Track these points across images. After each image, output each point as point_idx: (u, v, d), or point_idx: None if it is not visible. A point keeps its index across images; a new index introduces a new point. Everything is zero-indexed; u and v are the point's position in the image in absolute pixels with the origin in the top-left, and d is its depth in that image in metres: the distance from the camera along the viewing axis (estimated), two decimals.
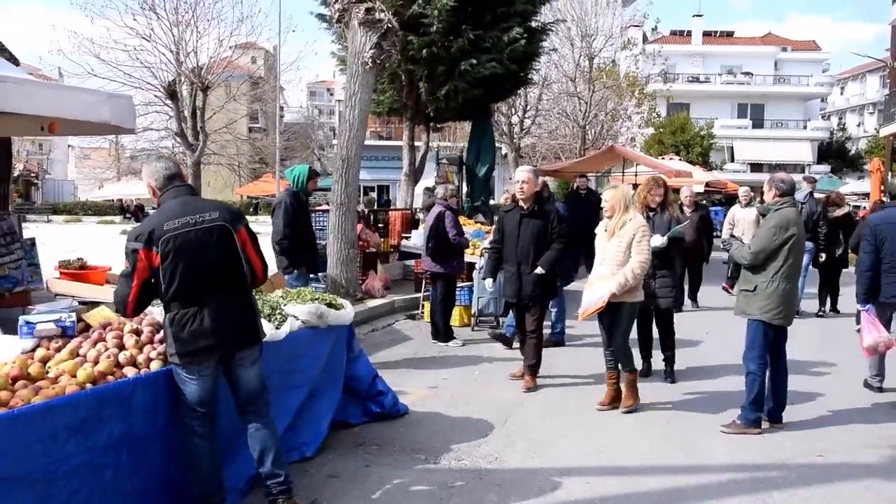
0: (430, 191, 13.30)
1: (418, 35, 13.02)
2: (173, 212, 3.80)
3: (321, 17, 14.96)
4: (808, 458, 5.19)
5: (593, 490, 4.60)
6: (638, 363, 7.00)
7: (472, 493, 4.53)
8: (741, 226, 11.14)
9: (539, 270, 6.64)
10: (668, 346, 7.20)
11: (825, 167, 50.44)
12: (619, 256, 5.94)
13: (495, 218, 14.02)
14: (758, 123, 53.06)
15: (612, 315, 6.07)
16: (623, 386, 6.17)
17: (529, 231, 6.71)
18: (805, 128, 53.26)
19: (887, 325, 6.58)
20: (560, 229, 6.75)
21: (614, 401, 6.19)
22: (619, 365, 6.17)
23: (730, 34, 57.88)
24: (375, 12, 9.89)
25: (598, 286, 6.03)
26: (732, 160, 50.82)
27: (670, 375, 7.13)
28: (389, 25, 9.96)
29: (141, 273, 3.73)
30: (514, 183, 6.94)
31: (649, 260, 6.02)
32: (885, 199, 17.66)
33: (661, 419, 6.02)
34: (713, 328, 9.94)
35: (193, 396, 3.83)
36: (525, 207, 6.78)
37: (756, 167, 49.03)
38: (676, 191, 11.91)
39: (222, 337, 3.81)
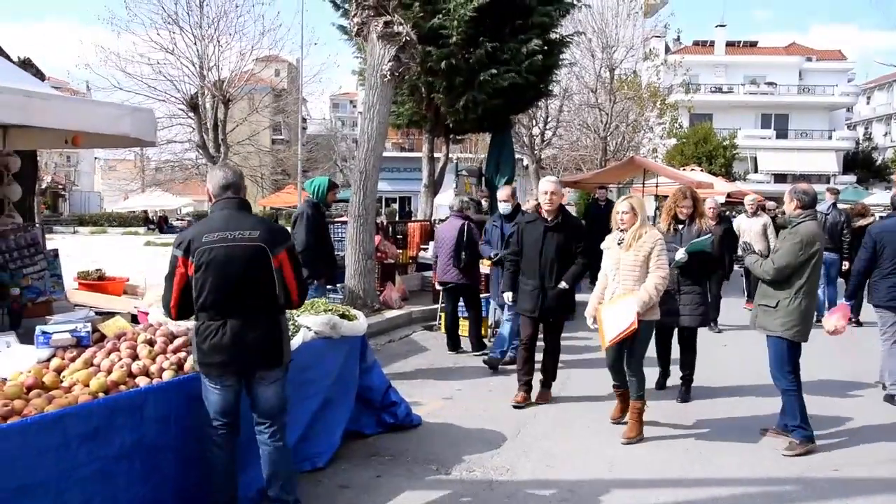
0: (475, 202, 12.66)
1: (437, 47, 13.08)
2: (215, 224, 3.86)
3: (342, 28, 15.08)
4: (823, 472, 5.14)
5: (602, 502, 4.59)
6: (651, 380, 6.94)
7: None
8: (747, 236, 10.74)
9: (563, 285, 6.47)
10: (688, 364, 7.00)
11: (851, 177, 49.91)
12: (635, 271, 5.65)
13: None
14: (782, 134, 52.69)
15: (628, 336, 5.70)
16: (629, 414, 5.86)
17: (554, 245, 6.51)
18: (830, 138, 52.80)
19: None
20: (585, 244, 6.60)
21: (625, 412, 5.99)
22: (629, 389, 5.84)
23: (753, 44, 57.54)
24: (394, 25, 9.98)
25: (618, 307, 5.65)
26: (756, 171, 50.46)
27: (685, 395, 6.95)
28: (408, 38, 10.05)
29: (179, 279, 3.81)
30: (540, 194, 6.70)
31: (668, 275, 5.73)
32: None
33: (675, 434, 5.96)
34: (731, 341, 9.87)
35: (215, 406, 3.89)
36: (549, 220, 6.57)
37: (780, 178, 48.60)
38: None
39: (240, 355, 3.83)
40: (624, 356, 5.83)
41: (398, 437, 5.70)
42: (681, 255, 6.60)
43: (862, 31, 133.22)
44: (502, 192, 8.66)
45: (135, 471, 3.70)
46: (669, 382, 7.28)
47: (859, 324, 11.06)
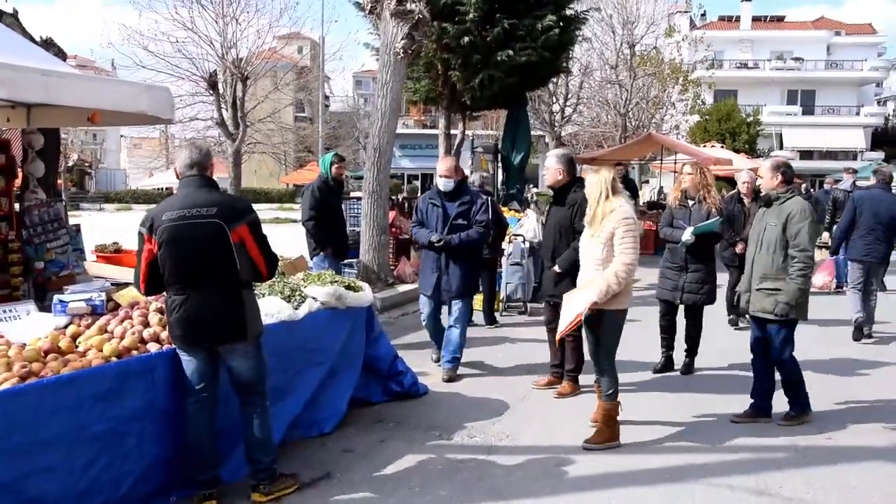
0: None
1: (454, 24, 13.16)
2: (175, 203, 3.97)
3: (357, 5, 15.18)
4: (815, 440, 5.25)
5: (597, 467, 4.74)
6: (636, 371, 7.03)
7: (480, 467, 4.71)
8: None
9: (555, 269, 6.09)
10: (692, 336, 7.04)
11: (879, 154, 49.11)
12: (597, 254, 5.07)
13: (531, 206, 14.11)
14: (808, 110, 51.80)
15: (592, 327, 5.18)
16: (598, 416, 5.19)
17: (553, 222, 6.24)
18: (858, 114, 51.85)
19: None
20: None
21: None
22: (600, 387, 5.24)
23: (780, 19, 56.58)
24: (407, 3, 10.06)
25: (579, 296, 5.13)
26: (781, 147, 49.75)
27: (689, 367, 7.02)
28: (421, 16, 10.13)
29: (147, 255, 3.95)
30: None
31: (636, 261, 5.01)
32: None
33: (674, 405, 6.06)
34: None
35: (189, 374, 4.04)
36: (553, 195, 6.34)
37: (806, 154, 47.96)
38: (728, 179, 11.28)
39: (201, 329, 3.94)
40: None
41: (404, 405, 5.88)
42: (687, 236, 6.66)
43: None
44: (441, 166, 6.86)
45: (146, 431, 3.92)
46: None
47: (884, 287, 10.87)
